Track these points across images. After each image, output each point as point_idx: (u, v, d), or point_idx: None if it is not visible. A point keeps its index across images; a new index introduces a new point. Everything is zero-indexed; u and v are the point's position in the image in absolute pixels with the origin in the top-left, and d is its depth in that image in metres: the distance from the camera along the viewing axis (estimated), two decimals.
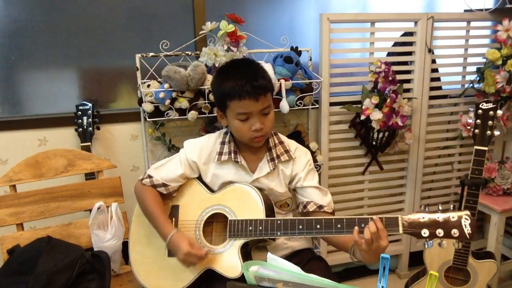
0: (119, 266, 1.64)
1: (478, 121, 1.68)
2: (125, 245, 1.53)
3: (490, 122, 1.66)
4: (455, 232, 1.11)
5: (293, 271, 1.02)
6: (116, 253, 1.58)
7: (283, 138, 1.48)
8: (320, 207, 1.40)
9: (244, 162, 1.40)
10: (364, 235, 1.15)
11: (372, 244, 1.14)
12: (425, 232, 1.13)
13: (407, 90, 2.22)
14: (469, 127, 1.73)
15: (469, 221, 1.11)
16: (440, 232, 1.12)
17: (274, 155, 1.41)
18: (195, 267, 1.33)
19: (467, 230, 1.11)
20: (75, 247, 1.48)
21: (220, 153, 1.41)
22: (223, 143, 1.43)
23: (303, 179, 1.43)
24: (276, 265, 1.04)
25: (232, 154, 1.39)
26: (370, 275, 2.46)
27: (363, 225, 1.18)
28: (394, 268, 2.53)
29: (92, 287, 1.40)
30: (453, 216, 1.12)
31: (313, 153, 2.04)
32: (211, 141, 1.45)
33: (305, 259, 1.44)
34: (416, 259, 2.36)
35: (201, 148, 1.44)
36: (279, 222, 1.27)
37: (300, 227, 1.24)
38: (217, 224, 1.41)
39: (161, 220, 1.35)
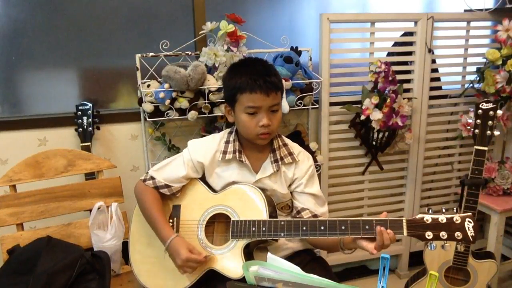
0: (119, 266, 1.64)
1: (478, 121, 1.68)
2: (125, 245, 1.53)
3: (490, 122, 1.66)
4: (458, 234, 1.12)
5: (293, 271, 1.02)
6: (116, 253, 1.58)
7: (287, 140, 1.49)
8: (315, 216, 1.41)
9: (248, 162, 1.40)
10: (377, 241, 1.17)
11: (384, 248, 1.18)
12: (429, 235, 1.14)
13: (407, 90, 2.22)
14: (469, 127, 1.73)
15: (472, 224, 1.12)
16: (443, 234, 1.13)
17: (278, 157, 1.41)
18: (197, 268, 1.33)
19: (470, 232, 1.12)
20: (75, 247, 1.48)
21: (225, 152, 1.41)
22: (227, 142, 1.43)
23: (305, 185, 1.43)
24: (276, 265, 1.04)
25: (237, 153, 1.39)
26: (370, 275, 2.46)
27: (367, 227, 1.18)
28: (394, 268, 2.53)
29: (92, 287, 1.40)
30: (456, 218, 1.13)
31: (313, 153, 2.04)
32: (215, 141, 1.45)
33: (306, 259, 1.45)
34: (416, 259, 2.37)
35: (206, 149, 1.43)
36: (282, 223, 1.27)
37: (304, 228, 1.24)
38: (218, 224, 1.41)
39: (161, 224, 1.35)
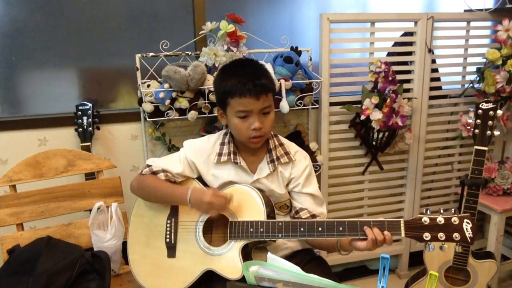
0: (119, 266, 1.64)
1: (478, 121, 1.68)
2: (125, 245, 1.53)
3: (490, 122, 1.66)
4: (456, 236, 1.12)
5: (293, 271, 1.02)
6: (116, 253, 1.58)
7: (283, 140, 1.48)
8: (313, 216, 1.41)
9: (244, 163, 1.40)
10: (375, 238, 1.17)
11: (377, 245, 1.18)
12: (426, 236, 1.13)
13: (407, 90, 2.22)
14: (469, 127, 1.73)
15: (470, 225, 1.12)
16: (441, 235, 1.13)
17: (274, 157, 1.41)
18: (195, 268, 1.33)
19: (469, 233, 1.11)
20: (75, 247, 1.48)
21: (220, 154, 1.41)
22: (222, 144, 1.43)
23: (302, 185, 1.42)
24: (276, 265, 1.04)
25: (232, 155, 1.39)
26: (370, 275, 2.46)
27: (364, 228, 1.18)
28: (394, 268, 2.53)
29: (92, 287, 1.40)
30: (454, 219, 1.12)
31: (313, 153, 2.04)
32: (210, 143, 1.45)
33: (305, 259, 1.44)
34: (416, 259, 2.37)
35: (199, 149, 1.44)
36: (280, 224, 1.26)
37: (302, 229, 1.24)
38: (217, 225, 1.41)
39: (174, 188, 1.37)
